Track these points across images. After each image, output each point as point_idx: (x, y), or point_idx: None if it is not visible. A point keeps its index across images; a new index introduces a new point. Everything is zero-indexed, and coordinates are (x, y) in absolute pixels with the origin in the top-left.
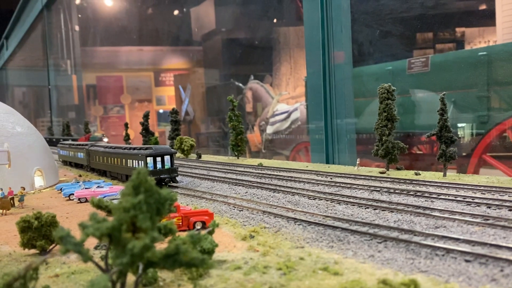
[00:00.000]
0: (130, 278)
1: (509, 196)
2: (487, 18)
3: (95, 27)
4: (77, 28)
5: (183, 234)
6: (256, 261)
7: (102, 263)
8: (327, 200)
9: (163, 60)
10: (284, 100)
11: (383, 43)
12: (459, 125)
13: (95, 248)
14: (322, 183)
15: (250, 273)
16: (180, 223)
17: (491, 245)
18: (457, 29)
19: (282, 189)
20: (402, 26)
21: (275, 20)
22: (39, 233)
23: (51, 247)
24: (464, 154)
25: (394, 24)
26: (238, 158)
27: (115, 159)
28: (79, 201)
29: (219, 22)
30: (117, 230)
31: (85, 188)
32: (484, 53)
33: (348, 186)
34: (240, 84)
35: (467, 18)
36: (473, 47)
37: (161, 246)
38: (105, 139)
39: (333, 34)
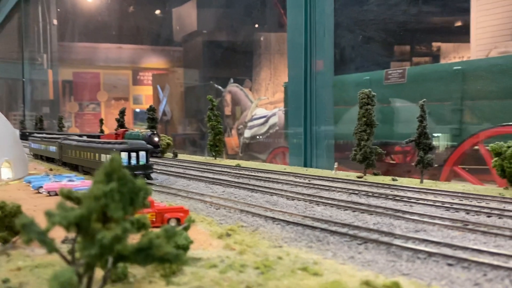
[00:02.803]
0: (99, 273)
1: (486, 203)
2: (462, 34)
3: (74, 22)
4: (55, 22)
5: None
6: (232, 259)
7: (70, 258)
8: (305, 201)
9: (142, 59)
10: (263, 105)
11: (364, 49)
12: (435, 134)
13: (63, 242)
14: (301, 184)
15: (226, 271)
16: (154, 219)
17: (473, 249)
18: (434, 44)
19: (260, 189)
20: (381, 40)
21: (256, 25)
22: (2, 224)
23: (14, 239)
24: (436, 165)
25: (373, 37)
26: (215, 158)
27: (88, 153)
28: (48, 194)
29: (201, 23)
30: (86, 219)
31: (55, 181)
32: (459, 67)
33: (327, 188)
34: (220, 87)
35: (443, 33)
36: (448, 61)
37: (133, 242)
38: (156, 138)
39: (316, 38)
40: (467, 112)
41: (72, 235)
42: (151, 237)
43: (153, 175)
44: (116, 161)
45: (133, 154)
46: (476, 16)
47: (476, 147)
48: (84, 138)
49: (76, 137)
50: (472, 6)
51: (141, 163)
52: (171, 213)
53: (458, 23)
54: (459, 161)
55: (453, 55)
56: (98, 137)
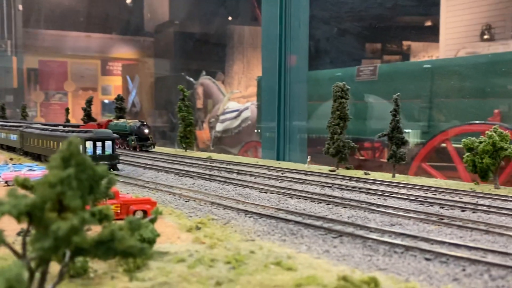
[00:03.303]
0: (56, 268)
1: (459, 198)
2: (432, 34)
3: (40, 8)
4: (20, 7)
5: None
6: (202, 253)
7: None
8: (279, 194)
9: (112, 48)
10: (236, 98)
11: (339, 42)
12: (405, 130)
13: (18, 234)
14: (273, 177)
15: (195, 266)
16: (119, 211)
17: (450, 243)
18: (404, 42)
19: (232, 181)
20: (356, 32)
21: (230, 18)
22: None
23: None
24: (403, 162)
25: (348, 30)
26: (186, 150)
27: (51, 142)
28: (6, 184)
29: (173, 14)
30: (39, 208)
31: (14, 171)
32: (429, 66)
33: (300, 181)
34: (191, 79)
35: (414, 32)
36: (418, 60)
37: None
38: (146, 130)
39: (291, 30)
40: (436, 110)
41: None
42: (114, 229)
43: (119, 166)
44: (74, 145)
45: (99, 144)
46: (446, 16)
47: (443, 144)
48: (60, 128)
49: (39, 125)
50: (442, 7)
51: (106, 153)
52: (137, 205)
53: (428, 23)
54: (427, 158)
55: (423, 54)
56: (78, 127)
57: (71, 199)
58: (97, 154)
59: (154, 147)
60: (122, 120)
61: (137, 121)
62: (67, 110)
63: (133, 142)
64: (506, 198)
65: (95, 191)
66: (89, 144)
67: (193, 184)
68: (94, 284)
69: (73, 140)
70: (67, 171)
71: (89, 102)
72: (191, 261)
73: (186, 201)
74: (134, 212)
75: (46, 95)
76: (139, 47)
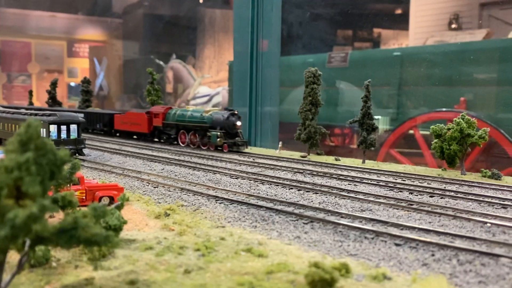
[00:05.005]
0: (16, 257)
1: (428, 184)
2: (402, 22)
3: None
4: None
5: None
6: (171, 241)
7: None
8: (250, 180)
9: (78, 29)
10: (207, 83)
11: (311, 27)
12: (375, 117)
13: None
14: (245, 163)
15: (163, 254)
16: (84, 198)
17: (420, 229)
18: (375, 30)
19: (203, 167)
20: (328, 17)
21: (201, 0)
22: None
23: None
24: (373, 148)
25: (318, 20)
26: None
27: (13, 125)
28: None
29: None
30: None
31: None
32: (399, 53)
33: (271, 167)
34: (161, 62)
35: (384, 20)
36: (388, 47)
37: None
38: (238, 122)
39: (263, 13)
40: (405, 97)
41: None
42: (77, 216)
43: (85, 151)
44: (33, 128)
45: (63, 127)
46: (415, 5)
47: (411, 131)
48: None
49: (1, 108)
50: None
51: (72, 137)
52: (103, 191)
53: (399, 11)
54: (395, 145)
55: (393, 41)
56: (112, 116)
57: (30, 185)
58: (62, 138)
59: (247, 146)
60: (192, 108)
61: (221, 109)
62: (30, 92)
63: (218, 139)
64: (472, 184)
65: (57, 176)
66: (53, 128)
67: (162, 169)
68: (57, 274)
69: (32, 123)
70: (25, 155)
71: (54, 84)
72: (159, 248)
73: (154, 187)
74: (100, 199)
75: (8, 77)
76: (106, 29)
